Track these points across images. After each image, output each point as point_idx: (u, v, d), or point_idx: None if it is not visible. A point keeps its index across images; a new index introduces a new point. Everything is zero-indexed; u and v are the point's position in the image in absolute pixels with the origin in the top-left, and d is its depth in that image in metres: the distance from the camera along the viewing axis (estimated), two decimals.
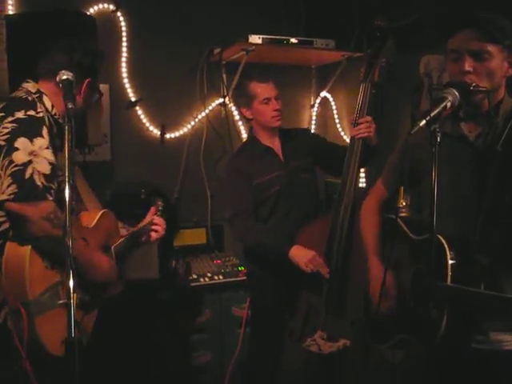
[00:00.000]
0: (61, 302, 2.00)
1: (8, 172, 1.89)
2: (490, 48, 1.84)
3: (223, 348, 3.68)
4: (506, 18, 1.90)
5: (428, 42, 3.47)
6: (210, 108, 4.21)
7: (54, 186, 1.96)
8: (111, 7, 3.87)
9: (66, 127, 1.69)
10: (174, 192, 4.08)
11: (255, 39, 3.72)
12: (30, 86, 2.17)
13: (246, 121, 3.31)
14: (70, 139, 1.68)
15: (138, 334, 3.38)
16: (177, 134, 4.15)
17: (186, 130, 4.17)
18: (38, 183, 1.91)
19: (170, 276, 3.60)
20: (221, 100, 4.19)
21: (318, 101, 4.61)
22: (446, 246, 1.84)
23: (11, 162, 1.90)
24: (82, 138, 3.08)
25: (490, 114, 1.91)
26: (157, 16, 4.01)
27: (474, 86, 1.83)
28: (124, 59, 3.95)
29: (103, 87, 3.69)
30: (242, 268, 3.74)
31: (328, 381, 2.83)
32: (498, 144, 1.87)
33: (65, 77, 1.85)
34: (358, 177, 2.88)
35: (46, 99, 2.13)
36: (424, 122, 1.63)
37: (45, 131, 2.00)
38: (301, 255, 2.89)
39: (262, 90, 3.12)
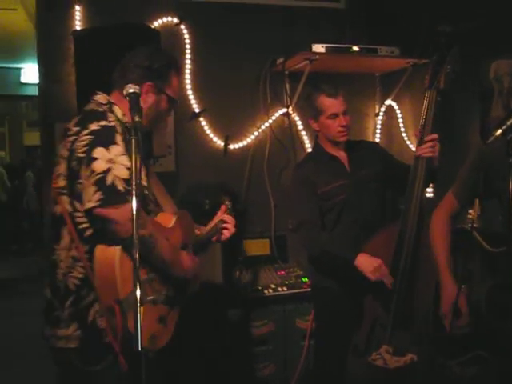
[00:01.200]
0: (149, 298, 2.11)
1: (91, 181, 1.99)
2: None
3: (286, 360, 3.66)
4: None
5: (498, 47, 3.37)
6: (274, 118, 4.19)
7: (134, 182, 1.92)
8: (175, 20, 3.93)
9: (133, 140, 1.70)
10: (238, 203, 4.07)
11: (318, 48, 3.69)
12: (100, 97, 2.25)
13: (313, 131, 3.27)
14: (137, 151, 1.69)
15: (204, 344, 3.39)
16: (240, 144, 4.15)
17: (249, 140, 4.17)
18: (120, 188, 1.99)
19: (234, 285, 3.60)
20: (284, 110, 4.18)
21: (382, 109, 4.53)
22: None
23: (93, 171, 1.99)
24: (148, 149, 3.11)
25: None
26: (220, 27, 4.05)
27: None
28: (188, 71, 3.99)
29: None
30: (306, 279, 3.70)
31: None
32: None
33: (131, 90, 1.87)
34: (422, 196, 2.77)
35: (116, 109, 2.21)
36: (500, 131, 1.57)
37: (118, 138, 2.07)
38: (367, 263, 2.84)
39: (330, 104, 3.06)
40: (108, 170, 1.99)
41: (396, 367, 2.65)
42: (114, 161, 2.01)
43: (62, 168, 2.12)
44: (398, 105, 4.48)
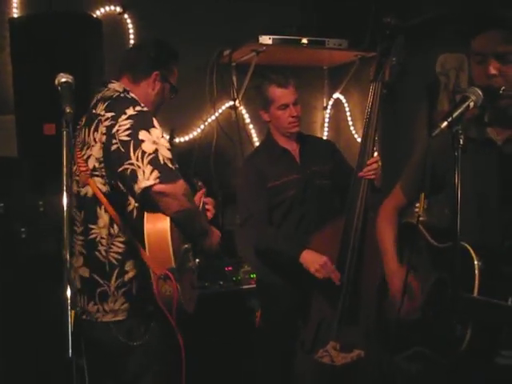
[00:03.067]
0: (190, 264, 2.41)
1: (145, 161, 2.13)
2: None
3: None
4: None
5: (444, 41, 3.38)
6: (220, 111, 4.13)
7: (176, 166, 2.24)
8: (118, 9, 3.80)
9: (65, 133, 1.60)
10: None
11: (265, 40, 3.62)
12: (115, 85, 2.38)
13: (264, 122, 3.20)
14: (68, 145, 1.59)
15: None
16: (186, 137, 4.07)
17: (195, 133, 4.09)
18: (171, 166, 2.17)
19: None
20: (231, 103, 4.11)
21: (330, 102, 4.52)
22: (472, 254, 1.73)
23: (144, 152, 2.13)
24: None
25: None
26: (165, 18, 3.92)
27: (503, 90, 1.72)
28: None
29: None
30: (254, 275, 3.65)
31: None
32: None
33: (64, 79, 1.75)
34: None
35: (132, 95, 2.34)
36: (446, 123, 1.53)
37: (155, 122, 2.24)
38: (312, 260, 2.80)
39: (281, 95, 3.01)
40: (156, 151, 2.14)
41: (343, 364, 2.62)
42: (157, 142, 2.17)
43: (94, 151, 2.24)
44: (345, 98, 4.46)
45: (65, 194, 1.55)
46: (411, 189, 2.18)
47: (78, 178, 2.29)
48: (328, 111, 4.52)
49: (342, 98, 4.47)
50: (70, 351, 1.42)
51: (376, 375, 2.65)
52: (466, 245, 1.72)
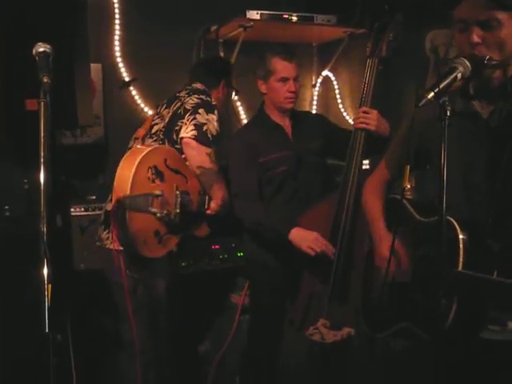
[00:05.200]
0: (152, 210, 2.64)
1: (192, 123, 2.85)
2: (499, 15, 1.68)
3: (221, 336, 3.57)
4: None
5: (434, 17, 3.34)
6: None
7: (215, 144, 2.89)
8: None
9: (42, 103, 1.56)
10: None
11: (253, 15, 3.57)
12: (198, 85, 3.13)
13: (260, 94, 3.16)
14: (46, 116, 1.55)
15: None
16: None
17: None
18: (209, 136, 2.85)
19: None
20: None
21: (319, 80, 4.48)
22: (457, 228, 1.70)
23: (195, 118, 2.86)
24: (72, 119, 2.95)
25: (505, 88, 1.76)
26: None
27: (488, 60, 1.68)
28: (117, 37, 3.82)
29: (95, 66, 3.58)
30: (241, 254, 3.62)
31: (330, 371, 2.72)
32: None
33: (41, 49, 1.71)
34: (361, 163, 2.77)
35: (207, 91, 3.10)
36: (432, 93, 1.50)
37: (215, 112, 2.94)
38: (301, 237, 2.78)
39: (283, 67, 2.97)
40: (205, 123, 2.85)
41: (333, 341, 2.61)
42: (210, 121, 2.88)
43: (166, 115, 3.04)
44: (334, 75, 4.43)
45: (42, 165, 1.52)
46: (396, 163, 2.15)
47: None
48: (317, 89, 4.48)
49: (330, 75, 4.43)
50: (47, 326, 1.39)
51: (365, 353, 2.65)
52: (451, 219, 1.70)
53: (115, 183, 2.71)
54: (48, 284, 1.40)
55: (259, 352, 3.12)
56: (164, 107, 3.10)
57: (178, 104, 3.00)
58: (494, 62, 1.69)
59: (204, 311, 3.61)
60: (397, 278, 2.00)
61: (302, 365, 2.79)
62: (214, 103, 3.00)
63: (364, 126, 2.72)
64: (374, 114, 2.72)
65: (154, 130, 3.05)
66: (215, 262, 3.61)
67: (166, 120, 3.01)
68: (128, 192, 2.63)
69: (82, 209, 3.34)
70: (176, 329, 3.18)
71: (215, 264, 3.61)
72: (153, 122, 3.10)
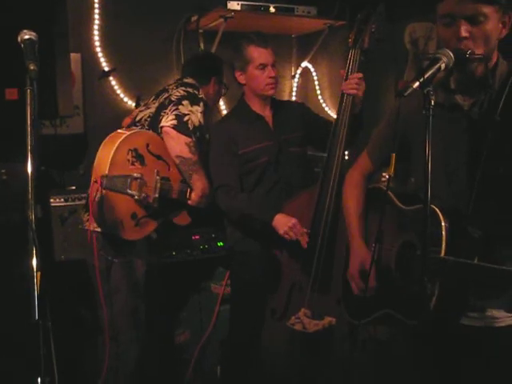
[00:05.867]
0: (130, 192, 2.75)
1: (173, 113, 2.91)
2: (486, 9, 1.71)
3: (202, 326, 3.58)
4: None
5: (413, 10, 3.37)
6: (181, 75, 4.04)
7: (197, 134, 2.98)
8: None
9: (28, 91, 1.55)
10: None
11: (234, 5, 3.59)
12: (189, 80, 3.18)
13: (239, 85, 3.15)
14: (33, 105, 1.55)
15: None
16: None
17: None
18: (190, 126, 2.91)
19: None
20: None
21: (298, 71, 4.50)
22: (440, 216, 1.74)
23: (177, 108, 2.92)
24: (52, 109, 2.94)
25: (487, 81, 1.79)
26: None
27: (469, 54, 1.71)
28: (96, 27, 3.79)
29: (74, 56, 3.55)
30: (221, 244, 3.63)
31: (312, 360, 2.74)
32: (494, 111, 1.76)
33: (27, 36, 1.70)
34: (345, 146, 2.73)
35: (200, 91, 3.13)
36: (417, 83, 1.52)
37: (201, 104, 3.02)
38: (282, 222, 2.79)
39: (260, 54, 2.97)
40: (188, 114, 2.92)
41: (315, 331, 2.63)
42: (193, 112, 2.94)
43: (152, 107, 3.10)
44: (314, 67, 4.44)
45: (29, 154, 1.52)
46: (378, 154, 2.17)
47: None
48: (296, 80, 4.50)
49: (310, 66, 4.45)
50: (37, 314, 1.40)
51: (347, 342, 2.67)
52: (434, 207, 1.73)
53: (95, 163, 2.82)
54: (37, 272, 1.40)
55: (240, 341, 3.13)
56: (152, 98, 3.19)
57: (166, 95, 3.07)
58: (477, 56, 1.72)
59: (184, 301, 3.62)
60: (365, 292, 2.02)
61: (284, 354, 2.81)
62: (200, 96, 3.06)
63: (356, 91, 2.68)
64: (362, 79, 2.71)
65: (138, 118, 3.12)
66: (195, 252, 3.60)
67: (153, 110, 3.07)
68: (106, 172, 2.72)
69: (62, 199, 3.31)
70: (155, 317, 3.20)
71: (195, 254, 3.60)
72: (138, 111, 3.20)
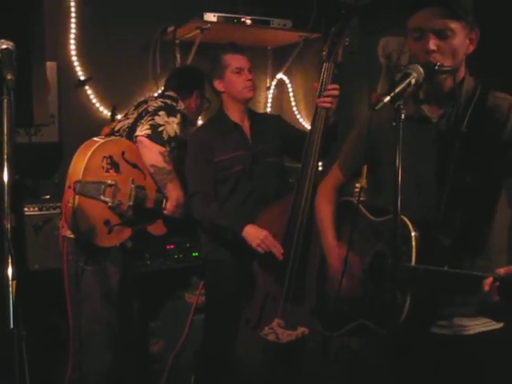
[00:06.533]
0: (103, 198, 2.79)
1: (148, 123, 2.94)
2: (453, 25, 1.78)
3: (176, 336, 3.58)
4: None
5: (387, 24, 3.43)
6: (163, 88, 4.06)
7: (172, 144, 3.02)
8: None
9: (5, 100, 1.56)
10: None
11: (210, 17, 3.63)
12: (170, 93, 3.22)
13: (217, 95, 3.18)
14: (9, 114, 1.56)
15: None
16: None
17: None
18: (164, 136, 2.94)
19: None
20: None
21: (274, 83, 4.54)
22: (409, 226, 1.79)
23: (153, 119, 2.95)
24: (27, 117, 2.94)
25: (454, 94, 1.85)
26: None
27: (438, 66, 1.77)
28: (72, 35, 3.80)
29: (50, 65, 3.55)
30: (196, 254, 3.64)
31: (285, 371, 2.75)
32: (461, 124, 1.82)
33: (4, 46, 1.71)
34: (319, 158, 2.77)
35: (180, 103, 3.17)
36: (388, 98, 1.56)
37: (178, 116, 3.04)
38: (253, 235, 2.81)
39: (235, 59, 3.05)
40: (163, 124, 2.94)
41: (288, 341, 2.64)
42: (169, 123, 2.96)
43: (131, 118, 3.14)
44: (289, 79, 4.49)
45: (6, 163, 1.52)
46: (349, 166, 2.21)
47: None
48: (271, 91, 4.54)
49: (285, 78, 4.49)
50: (12, 322, 1.40)
51: (320, 353, 2.70)
52: (403, 217, 1.77)
53: (69, 169, 2.85)
54: (12, 281, 1.41)
55: (214, 350, 3.13)
56: (132, 109, 3.23)
57: (144, 106, 3.11)
58: (446, 69, 1.78)
59: (158, 311, 3.62)
60: (351, 292, 2.05)
61: (258, 364, 2.81)
62: (179, 108, 3.09)
63: (331, 105, 2.71)
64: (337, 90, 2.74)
65: (117, 128, 3.15)
66: (170, 261, 3.62)
67: (131, 121, 3.11)
68: (80, 177, 2.76)
69: (36, 208, 3.30)
70: (128, 326, 3.19)
71: (170, 264, 3.61)
72: (118, 121, 3.24)
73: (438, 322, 1.89)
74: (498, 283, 1.52)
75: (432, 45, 1.77)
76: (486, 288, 1.53)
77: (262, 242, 2.78)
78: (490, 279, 1.54)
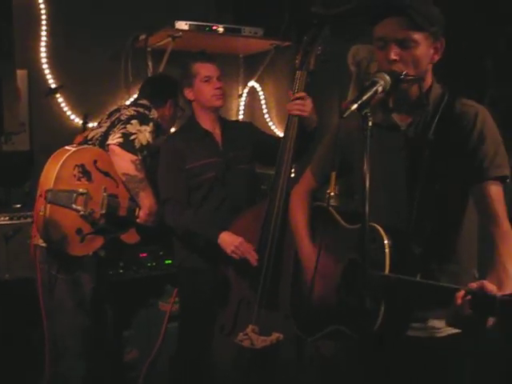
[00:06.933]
0: (75, 207, 2.79)
1: (121, 131, 2.94)
2: (416, 36, 1.80)
3: (150, 345, 3.57)
4: (434, 3, 1.88)
5: (357, 31, 3.46)
6: (135, 96, 4.06)
7: (144, 153, 3.03)
8: None
9: None
10: None
11: (182, 25, 3.64)
12: (143, 101, 3.24)
13: (188, 103, 3.19)
14: None
15: None
16: None
17: None
18: (136, 144, 2.94)
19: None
20: None
21: (245, 91, 4.56)
22: (382, 234, 1.80)
23: (125, 127, 2.95)
24: None
25: (422, 102, 1.88)
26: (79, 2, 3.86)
27: (404, 75, 1.79)
28: (43, 43, 3.78)
29: (20, 72, 3.53)
30: (170, 261, 3.64)
31: (260, 376, 2.76)
32: (429, 132, 1.85)
33: None
34: (292, 164, 2.79)
35: (153, 111, 3.19)
36: (356, 105, 1.58)
37: (151, 124, 3.06)
38: (228, 242, 2.82)
39: (204, 68, 3.06)
40: (135, 133, 2.95)
41: (263, 347, 2.65)
42: (141, 131, 2.97)
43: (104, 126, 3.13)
44: (260, 86, 4.52)
45: None
46: (321, 171, 2.23)
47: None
48: (243, 99, 4.56)
49: (257, 86, 4.52)
50: None
51: (295, 358, 2.71)
52: (376, 225, 1.79)
53: (41, 178, 2.85)
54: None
55: (189, 358, 3.13)
56: (105, 118, 3.22)
57: (117, 115, 3.11)
58: (410, 78, 1.81)
59: (132, 319, 3.61)
60: (326, 299, 2.06)
61: (233, 370, 2.81)
62: (151, 117, 3.11)
63: (299, 112, 2.73)
64: (308, 100, 2.74)
65: (90, 136, 3.13)
66: (143, 269, 3.60)
67: (104, 129, 3.10)
68: (51, 186, 2.76)
69: (7, 217, 3.27)
70: (102, 334, 3.18)
71: (143, 272, 3.60)
72: (91, 130, 3.25)
73: (411, 324, 1.90)
74: (470, 297, 1.51)
75: (394, 54, 1.80)
76: (458, 301, 1.52)
77: (237, 248, 2.78)
78: (462, 292, 1.53)
